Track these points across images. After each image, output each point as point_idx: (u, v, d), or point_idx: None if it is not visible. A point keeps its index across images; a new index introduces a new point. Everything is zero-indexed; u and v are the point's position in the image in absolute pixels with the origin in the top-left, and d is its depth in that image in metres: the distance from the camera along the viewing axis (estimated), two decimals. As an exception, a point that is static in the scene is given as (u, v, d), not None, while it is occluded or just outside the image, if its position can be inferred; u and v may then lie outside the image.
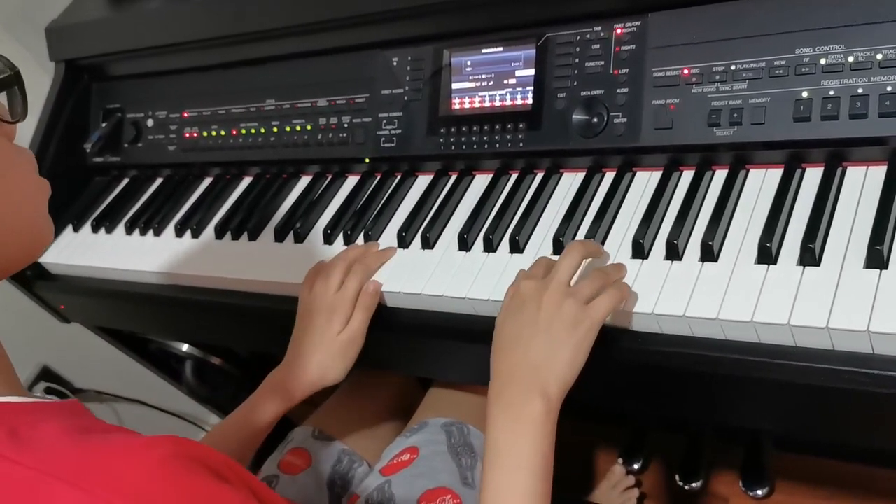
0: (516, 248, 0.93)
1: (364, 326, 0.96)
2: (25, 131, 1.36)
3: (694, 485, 1.44)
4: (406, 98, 1.09)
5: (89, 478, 0.50)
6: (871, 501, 1.40)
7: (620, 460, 1.53)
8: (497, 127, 1.01)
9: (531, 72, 1.00)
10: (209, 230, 1.20)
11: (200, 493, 0.52)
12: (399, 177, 1.11)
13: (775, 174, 0.86)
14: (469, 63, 1.04)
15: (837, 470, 1.44)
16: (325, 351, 0.96)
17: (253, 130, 1.23)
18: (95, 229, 1.32)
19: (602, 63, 0.95)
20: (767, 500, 1.43)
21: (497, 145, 1.01)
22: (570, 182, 0.98)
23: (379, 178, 1.13)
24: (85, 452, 0.52)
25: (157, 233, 1.25)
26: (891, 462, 1.40)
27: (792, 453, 1.47)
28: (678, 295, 0.79)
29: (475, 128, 1.03)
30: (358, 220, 1.06)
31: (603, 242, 0.89)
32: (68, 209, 1.37)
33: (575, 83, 0.96)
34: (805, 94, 0.83)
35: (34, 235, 0.64)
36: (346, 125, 1.14)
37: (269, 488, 0.60)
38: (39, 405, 0.57)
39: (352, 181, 1.16)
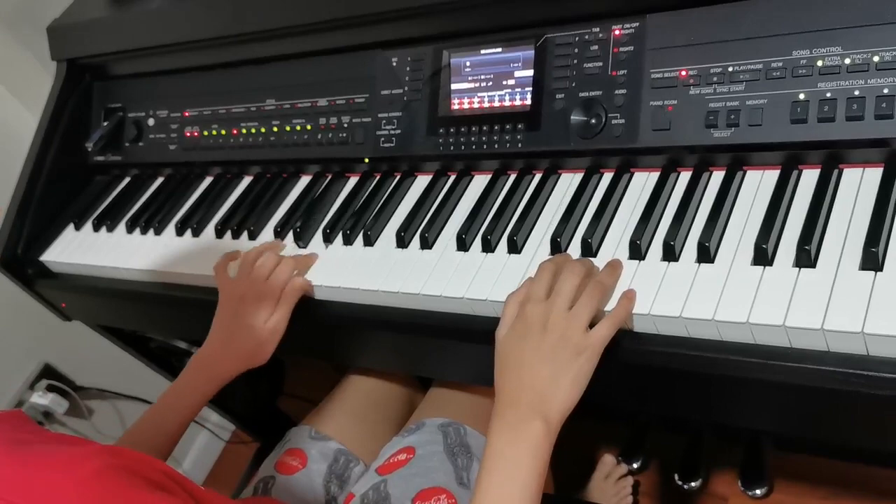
0: (514, 248, 0.93)
1: (286, 317, 1.01)
2: (27, 130, 1.37)
3: (693, 484, 1.44)
4: (405, 98, 1.09)
5: (24, 491, 0.50)
6: (870, 501, 1.40)
7: (620, 459, 1.54)
8: (496, 127, 1.01)
9: (530, 73, 1.00)
10: (210, 229, 1.21)
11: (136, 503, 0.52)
12: (398, 177, 1.12)
13: (772, 175, 0.86)
14: (468, 63, 1.04)
15: (836, 470, 1.44)
16: (253, 337, 1.01)
17: (253, 130, 1.23)
18: (97, 228, 1.32)
19: (600, 64, 0.95)
20: (766, 499, 1.43)
21: (496, 146, 1.01)
22: (568, 183, 0.98)
23: (378, 177, 1.13)
24: (21, 466, 0.52)
25: (158, 232, 1.25)
26: (889, 462, 1.40)
27: (791, 453, 1.47)
28: (675, 296, 0.79)
29: (474, 128, 1.03)
30: (357, 220, 1.07)
31: (600, 243, 0.89)
32: (69, 208, 1.38)
33: (573, 84, 0.97)
34: (802, 96, 0.83)
35: None
36: (345, 125, 1.14)
37: (215, 493, 0.60)
38: None
39: (351, 181, 1.16)
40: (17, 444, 0.55)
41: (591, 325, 0.78)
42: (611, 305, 0.81)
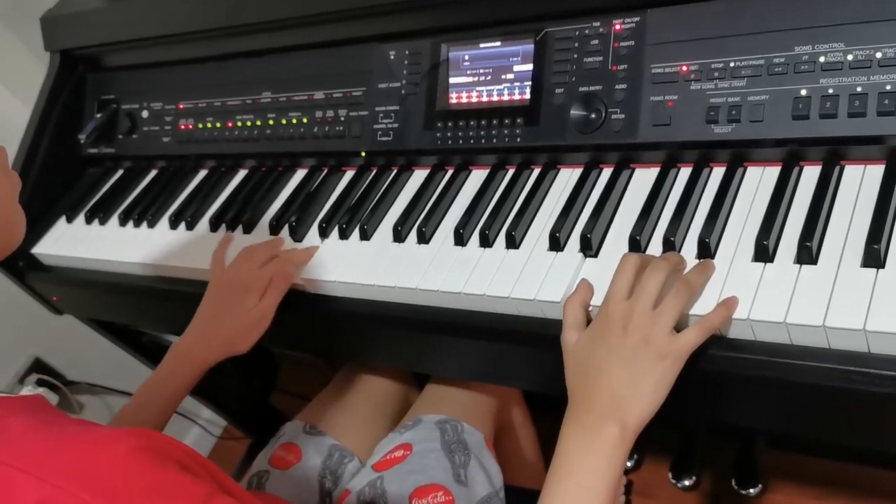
0: (512, 243, 0.92)
1: (274, 306, 0.99)
2: (19, 121, 1.35)
3: (686, 482, 1.44)
4: (403, 92, 1.08)
5: (56, 471, 0.51)
6: (864, 500, 1.40)
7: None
8: (494, 122, 1.01)
9: (529, 67, 0.99)
10: (204, 223, 1.20)
11: (165, 484, 0.53)
12: (395, 171, 1.11)
13: (773, 172, 0.85)
14: (467, 57, 1.04)
15: (830, 469, 1.44)
16: (236, 325, 0.99)
17: (249, 123, 1.22)
18: (89, 221, 1.31)
19: (600, 59, 0.94)
20: (760, 498, 1.43)
21: (494, 140, 1.01)
22: (567, 178, 0.98)
23: (375, 171, 1.12)
24: (52, 446, 0.53)
25: (151, 225, 1.24)
26: (884, 462, 1.40)
27: (785, 452, 1.47)
28: (674, 292, 0.78)
29: (472, 122, 1.02)
30: (354, 214, 1.06)
31: (600, 239, 0.88)
32: (61, 200, 1.37)
33: (573, 79, 0.96)
34: (804, 92, 0.82)
35: (8, 229, 0.66)
36: (342, 118, 1.13)
37: (235, 481, 0.61)
38: (5, 400, 0.58)
39: (348, 175, 1.15)
40: (48, 425, 0.55)
41: (677, 329, 0.73)
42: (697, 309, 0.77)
